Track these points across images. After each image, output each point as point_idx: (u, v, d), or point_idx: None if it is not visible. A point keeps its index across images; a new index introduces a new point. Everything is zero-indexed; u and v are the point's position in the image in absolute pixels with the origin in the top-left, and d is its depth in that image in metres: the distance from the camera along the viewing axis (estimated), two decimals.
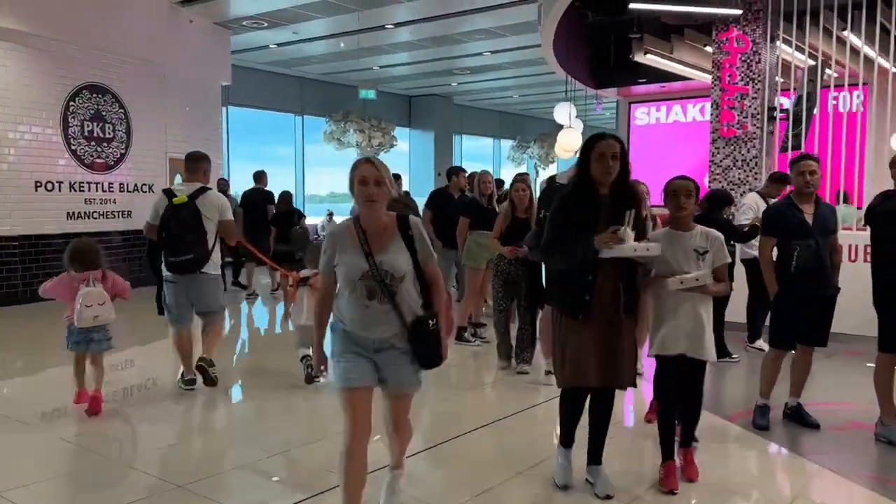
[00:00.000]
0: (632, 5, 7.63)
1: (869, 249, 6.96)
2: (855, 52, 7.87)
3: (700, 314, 3.61)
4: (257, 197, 10.51)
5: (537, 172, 22.60)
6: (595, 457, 3.62)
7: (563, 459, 3.64)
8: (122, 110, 10.69)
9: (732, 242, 5.83)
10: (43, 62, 9.68)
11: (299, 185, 17.64)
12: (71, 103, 10.00)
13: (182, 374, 5.42)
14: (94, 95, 10.31)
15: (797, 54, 8.44)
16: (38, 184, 9.68)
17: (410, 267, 2.88)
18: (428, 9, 11.53)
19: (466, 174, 8.24)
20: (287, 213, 10.05)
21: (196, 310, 5.36)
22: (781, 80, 8.55)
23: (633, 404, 5.01)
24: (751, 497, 3.74)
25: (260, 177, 10.74)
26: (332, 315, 2.97)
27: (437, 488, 3.71)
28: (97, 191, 10.40)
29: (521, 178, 6.10)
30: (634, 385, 3.52)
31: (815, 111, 8.01)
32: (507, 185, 8.66)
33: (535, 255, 5.41)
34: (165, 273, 5.22)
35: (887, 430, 4.38)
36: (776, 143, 8.39)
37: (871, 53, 7.84)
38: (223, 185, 10.60)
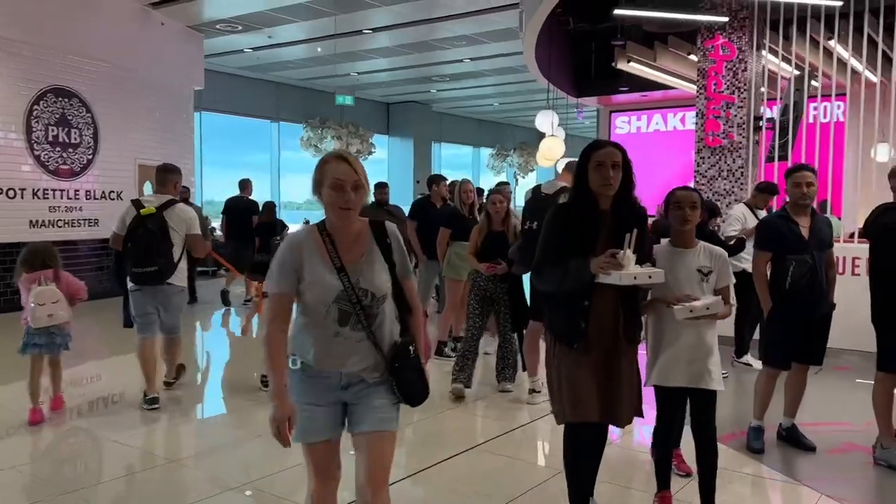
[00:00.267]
0: (617, 11, 7.47)
1: (855, 262, 7.03)
2: (839, 62, 7.78)
3: (705, 341, 3.25)
4: (240, 205, 10.37)
5: (517, 181, 22.47)
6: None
7: None
8: (89, 115, 10.32)
9: None
10: (4, 64, 9.29)
11: (275, 192, 17.33)
12: (35, 107, 9.62)
13: (145, 394, 5.24)
14: (60, 99, 9.93)
15: (783, 64, 8.35)
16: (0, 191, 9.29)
17: (391, 284, 2.42)
18: (407, 13, 11.32)
19: (447, 182, 8.00)
20: (270, 223, 10.03)
21: (160, 322, 5.33)
22: (766, 90, 8.43)
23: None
24: None
25: (245, 185, 10.61)
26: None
27: None
28: (62, 198, 10.01)
29: (497, 190, 5.83)
30: (641, 415, 3.13)
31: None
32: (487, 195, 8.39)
33: (519, 269, 5.17)
34: (130, 284, 5.19)
35: (887, 453, 4.20)
36: (762, 153, 8.26)
37: (855, 63, 7.76)
38: (184, 194, 10.32)
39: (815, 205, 4.49)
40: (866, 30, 7.45)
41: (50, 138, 9.84)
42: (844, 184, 8.82)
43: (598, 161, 2.91)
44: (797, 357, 4.47)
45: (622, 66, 9.85)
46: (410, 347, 2.46)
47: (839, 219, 8.11)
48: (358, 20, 11.75)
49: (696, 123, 8.54)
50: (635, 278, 2.84)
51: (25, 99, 9.50)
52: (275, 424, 2.29)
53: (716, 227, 6.31)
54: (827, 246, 4.41)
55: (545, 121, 11.00)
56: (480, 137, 24.06)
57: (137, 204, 5.22)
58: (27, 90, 9.52)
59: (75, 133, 10.16)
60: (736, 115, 8.21)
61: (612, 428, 3.27)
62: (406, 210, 8.65)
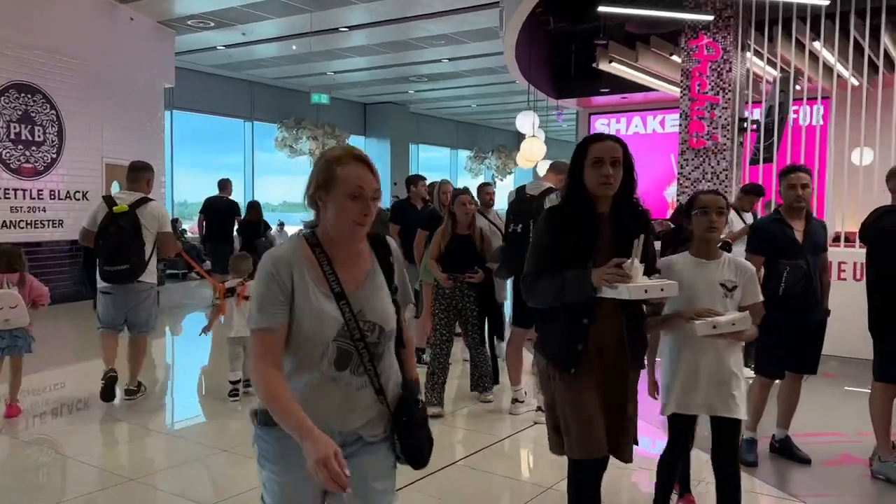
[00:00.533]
0: (601, 8, 7.30)
1: (841, 267, 6.93)
2: (822, 64, 7.69)
3: (727, 364, 2.87)
4: (220, 205, 10.15)
5: (494, 184, 22.30)
6: None
7: None
8: (53, 112, 9.95)
9: None
10: None
11: (248, 193, 16.99)
12: None
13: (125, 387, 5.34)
14: (23, 95, 9.55)
15: (767, 67, 8.25)
16: None
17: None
18: (385, 11, 11.09)
19: (426, 182, 7.76)
20: (255, 223, 9.91)
21: (128, 321, 5.31)
22: (751, 92, 8.32)
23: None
24: None
25: (225, 185, 10.42)
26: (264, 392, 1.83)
27: None
28: (25, 198, 9.62)
29: (464, 190, 5.53)
30: (636, 443, 2.76)
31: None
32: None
33: (502, 274, 4.95)
34: (100, 283, 5.17)
35: (885, 466, 4.04)
36: (745, 155, 8.15)
37: (839, 66, 7.67)
38: None
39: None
40: (852, 32, 7.35)
41: (12, 136, 9.45)
42: (826, 188, 8.74)
43: (596, 157, 2.53)
44: (790, 366, 4.31)
45: (604, 66, 9.70)
46: (420, 398, 2.02)
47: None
48: (334, 18, 11.50)
49: (680, 125, 8.41)
50: (646, 291, 2.43)
51: None
52: (322, 468, 1.66)
53: None
54: (821, 250, 4.25)
55: (526, 122, 10.81)
56: (458, 139, 23.88)
57: (110, 201, 5.16)
58: None
59: (39, 130, 9.78)
60: (720, 117, 8.08)
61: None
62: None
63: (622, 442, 2.65)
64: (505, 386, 5.54)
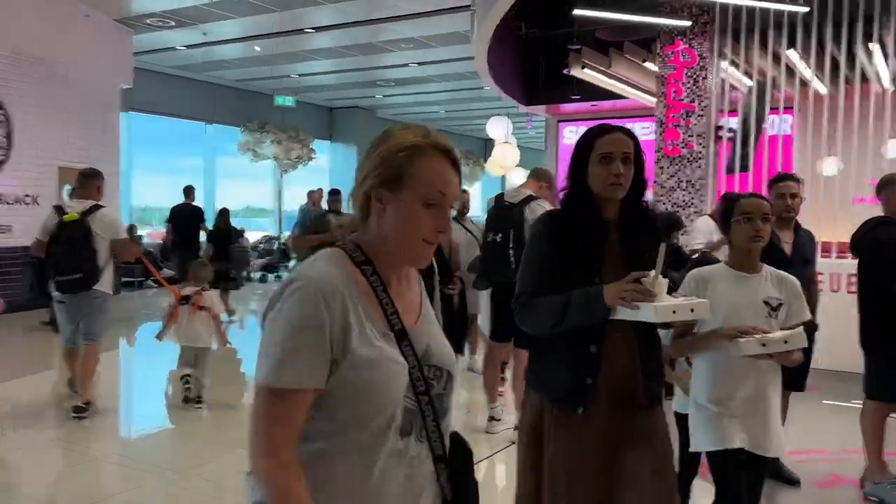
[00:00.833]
0: (577, 11, 7.14)
1: (820, 279, 6.85)
2: (792, 73, 7.65)
3: (767, 394, 2.53)
4: (186, 212, 9.94)
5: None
6: None
7: None
8: (2, 111, 9.45)
9: (681, 271, 5.32)
10: None
11: (209, 198, 16.51)
12: None
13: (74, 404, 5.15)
14: None
15: (738, 75, 8.18)
16: None
17: None
18: (352, 12, 10.80)
19: None
20: (225, 230, 9.78)
21: (79, 328, 5.21)
22: (726, 99, 8.24)
23: None
24: None
25: (189, 192, 10.23)
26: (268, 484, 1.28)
27: None
28: None
29: None
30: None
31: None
32: None
33: (481, 285, 4.70)
34: (54, 293, 5.16)
35: (879, 488, 3.90)
36: (721, 164, 8.06)
37: (808, 75, 7.63)
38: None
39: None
40: (829, 48, 7.30)
41: None
42: None
43: (604, 152, 2.11)
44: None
45: (576, 71, 9.55)
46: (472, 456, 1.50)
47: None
48: (300, 18, 11.17)
49: (656, 132, 8.29)
50: (674, 312, 1.99)
51: None
52: None
53: (676, 241, 6.01)
54: (809, 263, 4.11)
55: (498, 128, 10.62)
56: None
57: (60, 210, 5.15)
58: None
59: None
60: (696, 124, 7.97)
61: None
62: None
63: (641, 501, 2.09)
64: (480, 403, 5.29)
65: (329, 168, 20.07)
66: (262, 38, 12.32)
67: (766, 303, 2.52)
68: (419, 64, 14.22)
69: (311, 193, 10.63)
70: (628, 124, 9.71)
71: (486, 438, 4.78)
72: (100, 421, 5.14)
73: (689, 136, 7.99)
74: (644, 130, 10.70)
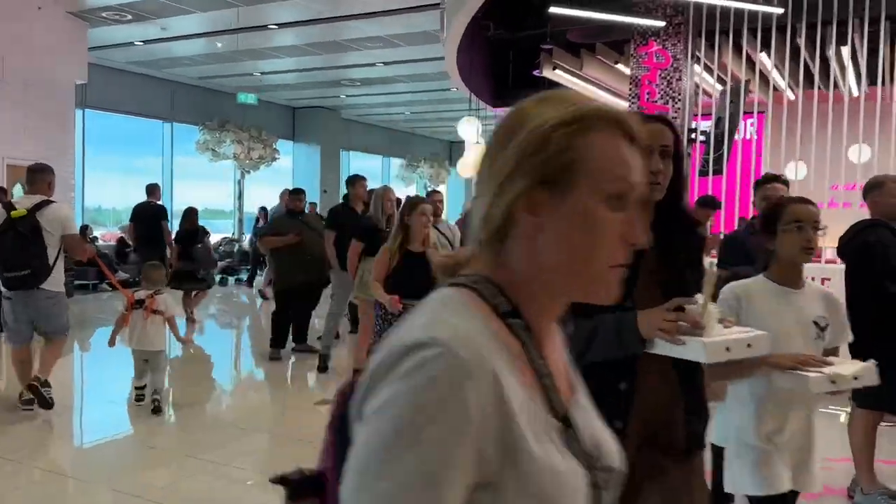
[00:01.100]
0: (552, 9, 7.03)
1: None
2: (764, 78, 7.66)
3: (811, 429, 2.31)
4: (149, 211, 9.57)
5: (427, 194, 21.96)
6: None
7: None
8: None
9: None
10: None
11: (167, 198, 16.05)
12: None
13: (21, 394, 5.12)
14: None
15: (709, 77, 8.16)
16: None
17: None
18: (316, 9, 10.54)
19: (365, 182, 7.26)
20: (192, 230, 9.50)
21: (38, 329, 5.21)
22: (700, 103, 8.22)
23: None
24: None
25: (153, 190, 9.85)
26: None
27: None
28: None
29: (421, 199, 4.94)
30: None
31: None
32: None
33: None
34: (3, 290, 5.15)
35: (869, 500, 3.80)
36: (693, 167, 8.01)
37: (779, 79, 7.64)
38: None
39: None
40: (803, 52, 7.31)
41: None
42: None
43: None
44: None
45: (548, 72, 9.45)
46: None
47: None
48: (263, 14, 10.87)
49: None
50: (728, 350, 1.64)
51: None
52: None
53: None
54: None
55: (469, 129, 10.45)
56: (390, 147, 23.40)
57: (8, 206, 5.08)
58: None
59: None
60: None
61: None
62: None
63: None
64: None
65: (292, 169, 19.72)
66: (223, 34, 11.98)
67: (816, 323, 2.26)
68: (385, 64, 14.01)
69: (282, 194, 10.46)
70: None
71: None
72: (51, 428, 4.97)
73: None
74: None
